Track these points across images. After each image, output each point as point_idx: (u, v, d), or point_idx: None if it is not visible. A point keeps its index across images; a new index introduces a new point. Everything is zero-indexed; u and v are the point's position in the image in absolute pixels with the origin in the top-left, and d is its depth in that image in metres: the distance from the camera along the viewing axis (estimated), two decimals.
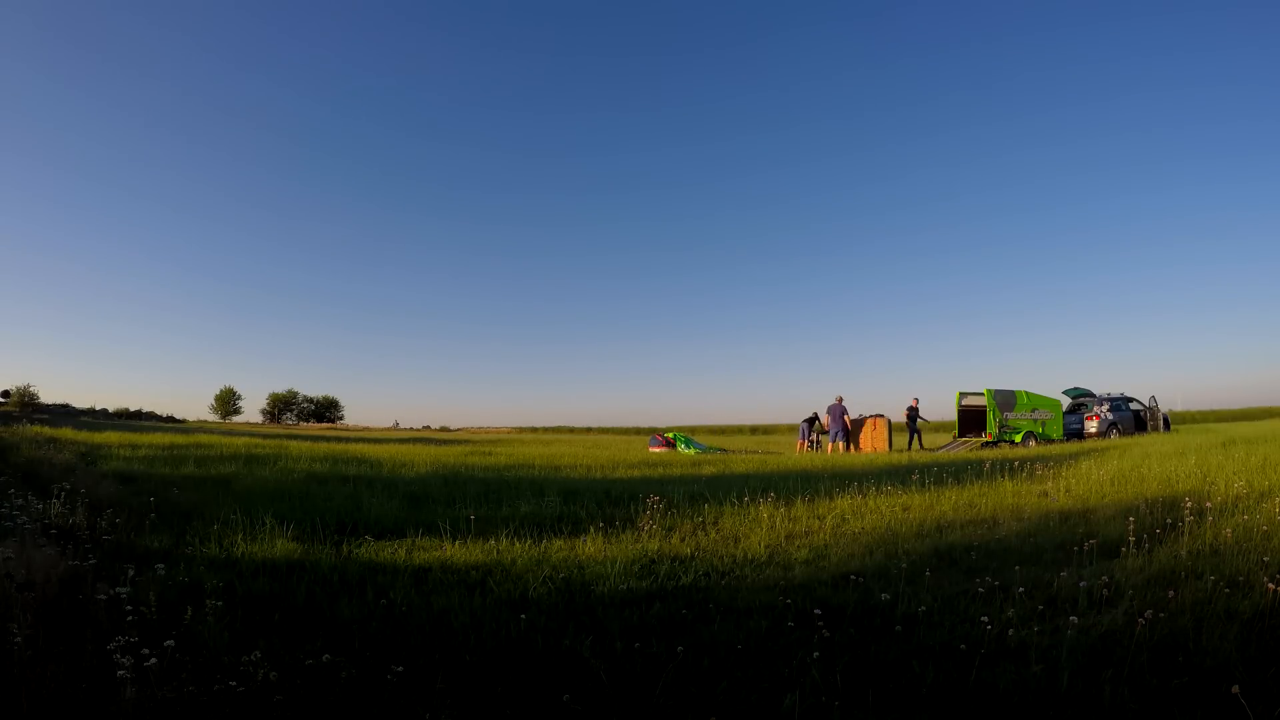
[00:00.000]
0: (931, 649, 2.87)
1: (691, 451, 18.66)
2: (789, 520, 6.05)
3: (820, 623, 3.01)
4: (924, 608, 3.31)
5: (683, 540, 5.32)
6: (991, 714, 2.38)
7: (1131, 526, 4.52)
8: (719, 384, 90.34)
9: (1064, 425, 19.57)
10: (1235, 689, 2.12)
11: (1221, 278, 73.90)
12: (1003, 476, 8.53)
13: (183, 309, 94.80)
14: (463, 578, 4.15)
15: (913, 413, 19.72)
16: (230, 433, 25.24)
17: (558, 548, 5.02)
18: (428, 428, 62.80)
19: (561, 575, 4.15)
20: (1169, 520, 4.90)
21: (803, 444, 19.53)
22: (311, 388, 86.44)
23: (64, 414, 31.11)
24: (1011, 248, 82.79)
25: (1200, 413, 38.48)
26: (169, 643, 2.49)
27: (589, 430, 60.55)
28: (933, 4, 74.42)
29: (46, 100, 75.81)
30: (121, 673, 2.24)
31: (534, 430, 62.36)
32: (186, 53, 78.28)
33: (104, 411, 42.17)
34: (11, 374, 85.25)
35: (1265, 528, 4.61)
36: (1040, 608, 3.27)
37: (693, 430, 41.60)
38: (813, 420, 19.80)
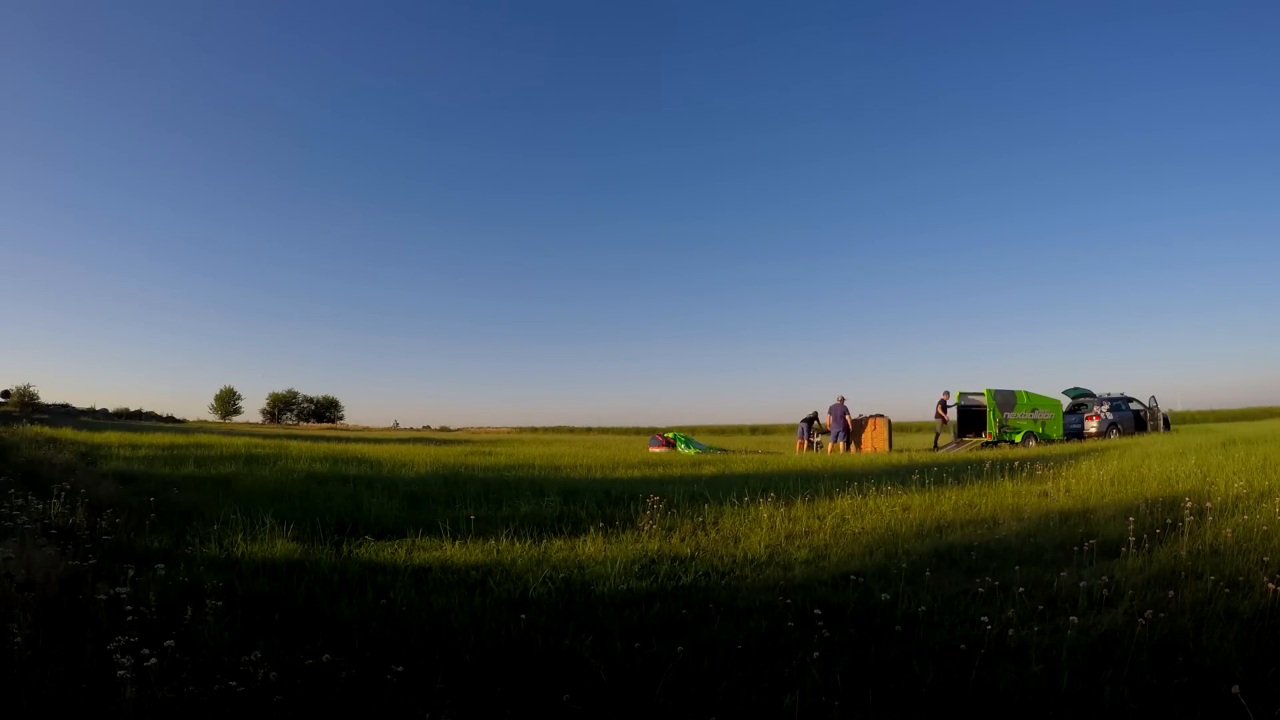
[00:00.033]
0: (931, 649, 2.87)
1: (691, 451, 18.66)
2: (789, 520, 6.05)
3: (820, 623, 3.01)
4: (924, 608, 3.30)
5: (683, 540, 5.32)
6: (991, 714, 2.38)
7: (1131, 526, 4.52)
8: (719, 384, 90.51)
9: (1064, 425, 19.57)
10: (1235, 689, 2.12)
11: (1221, 278, 74.02)
12: (1003, 476, 8.53)
13: (183, 309, 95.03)
14: (463, 578, 4.15)
15: (944, 407, 19.74)
16: (230, 433, 25.24)
17: (558, 548, 5.02)
18: (428, 428, 62.84)
19: (561, 575, 4.15)
20: (1169, 520, 4.90)
21: (802, 444, 19.53)
22: (311, 388, 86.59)
23: (64, 414, 31.12)
24: (1011, 248, 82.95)
25: (1200, 413, 38.53)
26: (169, 643, 2.49)
27: (589, 430, 60.57)
28: (933, 4, 74.50)
29: (46, 100, 75.91)
30: (121, 673, 2.24)
31: (534, 430, 62.41)
32: (186, 53, 78.43)
33: (104, 411, 42.19)
34: (11, 374, 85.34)
35: (1265, 528, 4.61)
36: (1040, 608, 3.27)
37: (693, 430, 41.60)
38: (812, 420, 19.80)
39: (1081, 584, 3.50)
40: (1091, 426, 19.81)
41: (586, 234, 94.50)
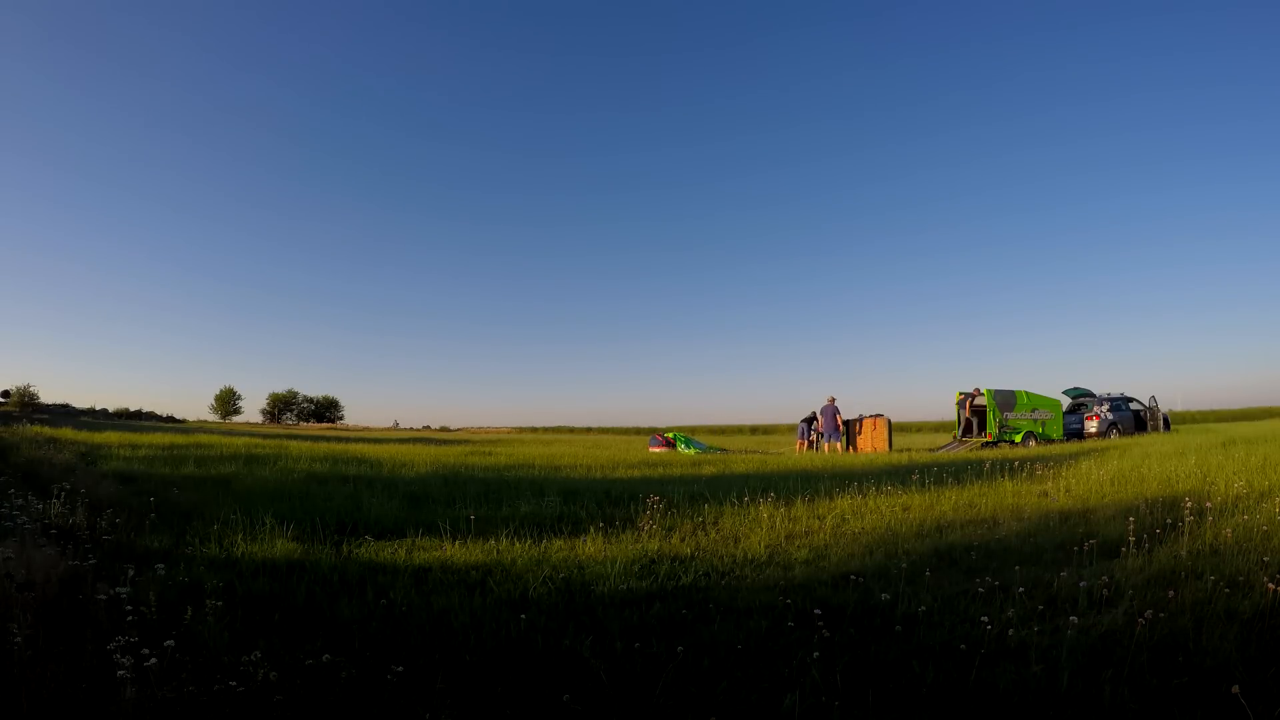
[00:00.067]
0: (931, 649, 2.87)
1: (691, 451, 18.66)
2: (789, 520, 6.05)
3: (820, 623, 3.01)
4: (924, 608, 3.30)
5: (683, 540, 5.32)
6: (991, 714, 2.38)
7: (1131, 526, 4.51)
8: (719, 384, 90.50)
9: (1064, 425, 19.57)
10: (1235, 689, 2.12)
11: (1221, 278, 73.99)
12: (1003, 476, 8.53)
13: (183, 309, 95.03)
14: (463, 578, 4.15)
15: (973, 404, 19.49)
16: (230, 433, 25.25)
17: (558, 548, 5.02)
18: (428, 428, 62.86)
19: (561, 575, 4.15)
20: (1169, 520, 4.90)
21: (802, 444, 19.52)
22: (311, 388, 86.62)
23: (64, 414, 31.12)
24: (1011, 248, 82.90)
25: (1200, 413, 38.51)
26: (169, 643, 2.49)
27: (589, 430, 60.58)
28: (933, 4, 74.49)
29: (46, 100, 75.89)
30: (121, 673, 2.23)
31: (534, 430, 62.42)
32: (186, 53, 78.40)
33: (104, 411, 42.20)
34: (11, 374, 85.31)
35: (1265, 528, 4.61)
36: (1040, 608, 3.27)
37: (693, 430, 41.61)
38: (812, 419, 19.78)
39: (1081, 584, 3.50)
40: (1091, 426, 19.82)
41: (586, 234, 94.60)
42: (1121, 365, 66.45)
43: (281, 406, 73.06)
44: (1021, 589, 3.47)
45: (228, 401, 67.76)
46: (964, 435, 19.33)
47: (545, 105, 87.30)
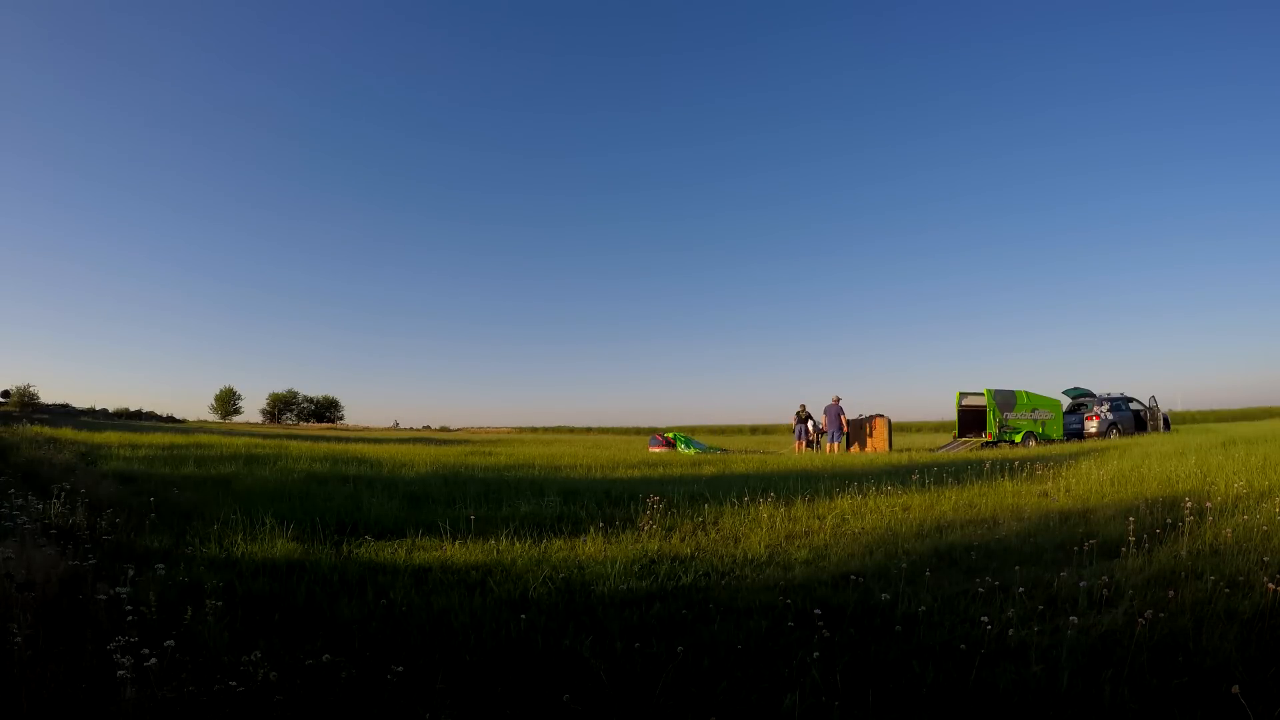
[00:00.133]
0: (931, 649, 2.87)
1: (691, 451, 18.66)
2: (789, 520, 6.05)
3: (820, 623, 3.01)
4: (924, 608, 3.30)
5: (683, 540, 5.32)
6: (991, 714, 2.38)
7: (1131, 526, 4.51)
8: (719, 384, 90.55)
9: (1064, 425, 19.57)
10: (1235, 689, 2.12)
11: (1221, 278, 74.01)
12: (1003, 476, 8.53)
13: (183, 309, 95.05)
14: (463, 578, 4.15)
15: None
16: (230, 433, 25.24)
17: (558, 548, 5.02)
18: (428, 428, 62.86)
19: (561, 575, 4.15)
20: (1169, 520, 4.90)
21: (800, 444, 19.51)
22: (311, 388, 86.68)
23: (64, 414, 31.12)
24: (1011, 248, 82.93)
25: (1200, 413, 38.54)
26: (169, 643, 2.49)
27: (589, 430, 60.60)
28: (933, 4, 74.48)
29: (46, 100, 75.89)
30: (121, 673, 2.23)
31: (534, 430, 62.45)
32: (186, 53, 78.40)
33: (104, 411, 42.21)
34: (11, 374, 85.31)
35: (1265, 528, 4.61)
36: (1040, 608, 3.27)
37: (693, 430, 41.63)
38: (806, 418, 19.67)
39: (1081, 584, 3.50)
40: (1091, 426, 19.82)
41: (586, 234, 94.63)
42: (1121, 365, 66.58)
43: (281, 406, 73.09)
44: (1021, 589, 3.47)
45: (228, 401, 67.82)
46: (960, 436, 19.32)
47: (545, 105, 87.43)
